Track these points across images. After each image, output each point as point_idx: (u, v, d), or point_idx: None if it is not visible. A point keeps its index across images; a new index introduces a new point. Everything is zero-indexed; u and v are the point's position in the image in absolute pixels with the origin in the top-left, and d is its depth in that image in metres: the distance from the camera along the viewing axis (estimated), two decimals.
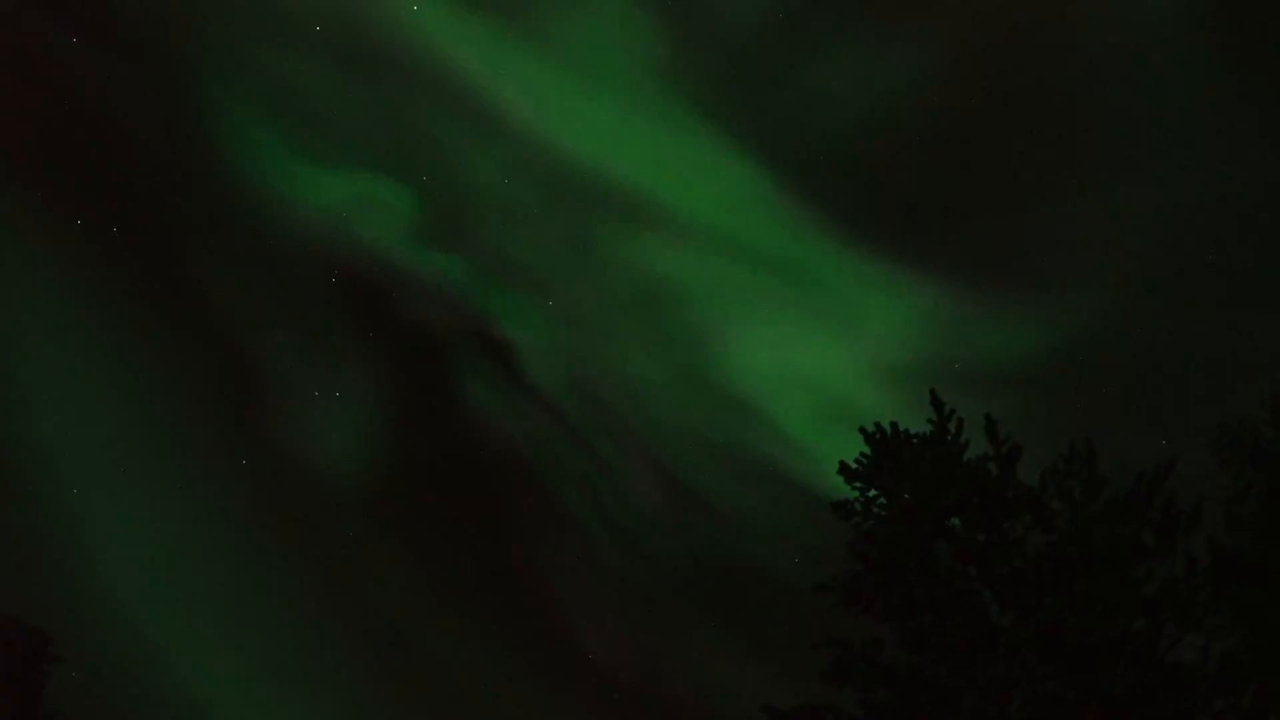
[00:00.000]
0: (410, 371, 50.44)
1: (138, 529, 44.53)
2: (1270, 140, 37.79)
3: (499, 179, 47.96)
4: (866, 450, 15.51)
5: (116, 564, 42.96)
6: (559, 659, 45.17)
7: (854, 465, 15.56)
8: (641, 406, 49.94)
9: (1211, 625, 12.96)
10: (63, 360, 44.92)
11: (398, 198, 48.61)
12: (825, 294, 47.50)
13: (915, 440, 15.12)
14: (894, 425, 15.31)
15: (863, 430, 15.50)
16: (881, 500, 15.45)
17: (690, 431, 49.51)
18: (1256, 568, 12.62)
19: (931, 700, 14.24)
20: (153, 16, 43.12)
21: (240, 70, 44.68)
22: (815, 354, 48.03)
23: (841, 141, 45.81)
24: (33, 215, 43.83)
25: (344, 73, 44.51)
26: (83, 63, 42.98)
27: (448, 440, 50.65)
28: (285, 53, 43.84)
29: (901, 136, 44.99)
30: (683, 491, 48.41)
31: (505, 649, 45.48)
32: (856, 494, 15.58)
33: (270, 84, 45.02)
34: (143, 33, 43.79)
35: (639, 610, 46.32)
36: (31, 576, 39.70)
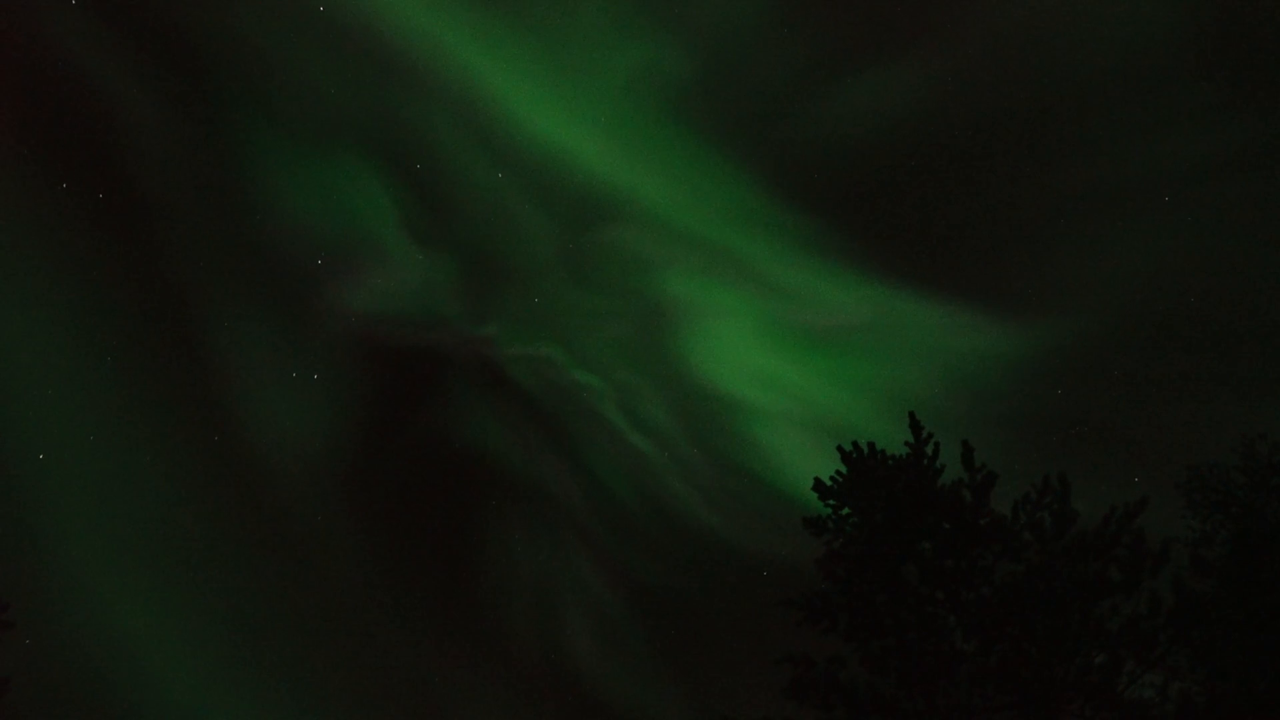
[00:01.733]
0: (391, 364, 50.18)
1: (108, 508, 43.99)
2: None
3: (492, 175, 47.85)
4: (843, 469, 15.56)
5: (84, 542, 42.40)
6: (521, 664, 45.00)
7: (829, 483, 15.59)
8: (625, 412, 49.90)
9: (1171, 665, 13.06)
10: (34, 339, 44.42)
11: (387, 189, 48.38)
12: (820, 309, 47.70)
13: (891, 462, 15.17)
14: (871, 445, 15.35)
15: (840, 449, 15.55)
16: (854, 520, 15.48)
17: (672, 440, 49.50)
18: (1219, 611, 12.73)
19: None
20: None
21: (237, 54, 44.39)
22: (807, 369, 48.20)
23: (844, 156, 46.02)
24: (16, 202, 43.39)
25: (340, 62, 44.29)
26: (77, 46, 42.56)
27: (426, 435, 50.42)
28: (283, 38, 43.61)
29: (905, 151, 45.21)
30: (659, 498, 48.40)
31: (473, 652, 45.31)
32: (830, 511, 15.61)
33: (266, 68, 44.75)
34: (136, 18, 43.43)
35: (606, 618, 46.24)
36: None
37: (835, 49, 43.90)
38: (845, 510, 15.53)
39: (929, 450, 15.09)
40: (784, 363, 48.43)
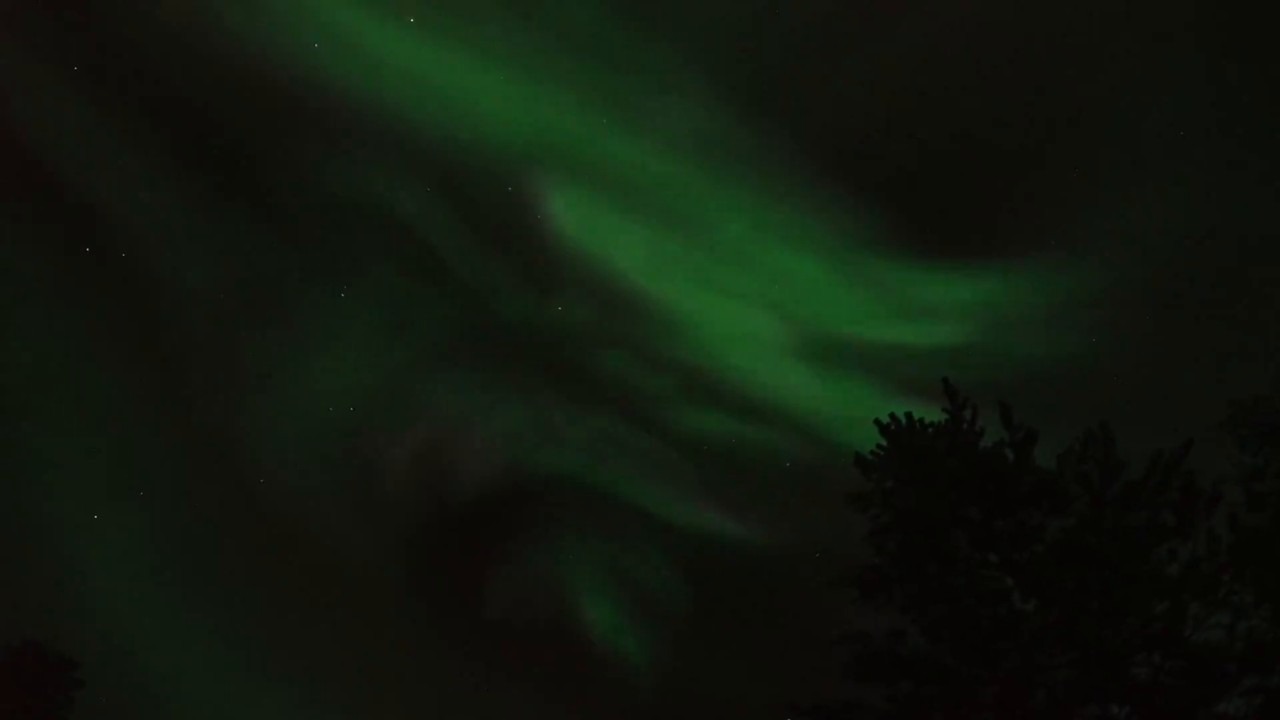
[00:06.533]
0: (416, 379, 50.64)
1: (162, 560, 44.76)
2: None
3: (502, 187, 48.19)
4: (882, 442, 15.53)
5: (143, 595, 43.17)
6: (573, 659, 45.21)
7: (870, 457, 15.56)
8: (660, 415, 50.03)
9: (1237, 604, 12.89)
10: (77, 402, 45.43)
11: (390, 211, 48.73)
12: (838, 288, 47.49)
13: (930, 430, 15.12)
14: (909, 415, 15.32)
15: (877, 422, 15.52)
16: (899, 492, 15.43)
17: (713, 431, 49.54)
18: (1278, 544, 12.57)
19: (955, 691, 14.18)
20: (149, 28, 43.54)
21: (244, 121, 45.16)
22: (827, 352, 48.04)
23: (849, 130, 45.64)
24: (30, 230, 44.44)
25: (346, 73, 44.63)
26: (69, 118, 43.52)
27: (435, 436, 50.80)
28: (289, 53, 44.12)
29: (913, 122, 44.71)
30: (695, 488, 48.41)
31: (521, 653, 45.63)
32: (873, 486, 15.58)
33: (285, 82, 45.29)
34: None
35: (660, 608, 46.31)
36: (48, 602, 39.90)
37: (835, 22, 43.46)
38: (889, 483, 15.49)
39: (967, 414, 15.02)
40: (807, 344, 48.28)
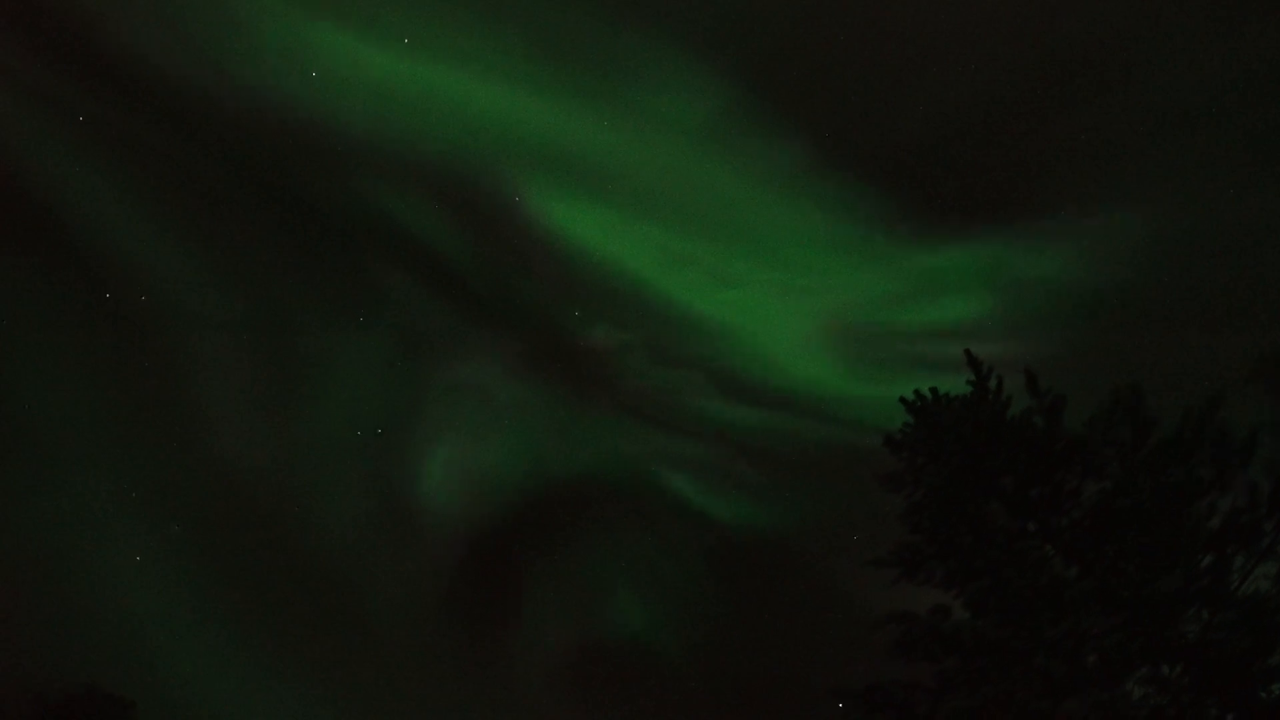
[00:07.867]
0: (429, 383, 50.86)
1: (204, 597, 45.23)
2: None
3: (509, 197, 48.36)
4: (910, 420, 15.49)
5: (190, 632, 43.66)
6: (612, 659, 45.22)
7: (898, 436, 15.53)
8: (685, 409, 50.02)
9: None
10: (103, 425, 45.98)
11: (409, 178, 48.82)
12: (853, 276, 47.28)
13: (957, 404, 15.06)
14: (934, 391, 15.29)
15: (903, 400, 15.48)
16: (931, 469, 15.38)
17: (739, 422, 49.47)
18: None
19: (1002, 663, 14.12)
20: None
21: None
22: (846, 344, 47.84)
23: (854, 113, 45.31)
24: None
25: (347, 99, 45.00)
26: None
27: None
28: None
29: (920, 94, 44.23)
30: (725, 480, 48.34)
31: (561, 658, 45.74)
32: (904, 465, 15.54)
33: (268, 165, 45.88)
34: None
35: (697, 601, 46.27)
36: (101, 646, 40.40)
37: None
38: (920, 460, 15.45)
39: (992, 385, 14.96)
40: (830, 334, 48.08)
